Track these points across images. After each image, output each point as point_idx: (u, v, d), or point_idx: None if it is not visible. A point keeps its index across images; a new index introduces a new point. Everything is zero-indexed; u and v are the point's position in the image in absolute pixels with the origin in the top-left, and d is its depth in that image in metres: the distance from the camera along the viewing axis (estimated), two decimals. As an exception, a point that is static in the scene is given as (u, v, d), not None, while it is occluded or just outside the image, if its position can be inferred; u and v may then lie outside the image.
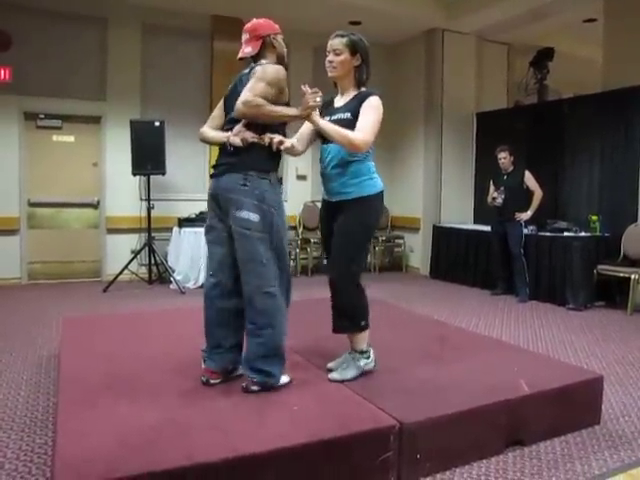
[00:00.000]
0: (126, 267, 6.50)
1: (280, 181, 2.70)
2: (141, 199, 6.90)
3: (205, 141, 2.76)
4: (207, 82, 7.29)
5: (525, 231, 6.21)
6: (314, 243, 7.79)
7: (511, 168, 6.25)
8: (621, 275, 5.63)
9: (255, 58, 2.65)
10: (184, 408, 2.34)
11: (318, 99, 2.51)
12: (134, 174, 6.57)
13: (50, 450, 2.39)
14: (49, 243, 6.90)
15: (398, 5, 7.10)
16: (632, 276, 5.48)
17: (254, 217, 2.49)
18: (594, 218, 6.11)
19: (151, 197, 6.59)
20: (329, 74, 2.74)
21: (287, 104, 2.60)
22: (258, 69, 2.53)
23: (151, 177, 6.59)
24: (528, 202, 6.16)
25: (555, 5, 6.75)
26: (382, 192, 2.77)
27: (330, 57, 2.70)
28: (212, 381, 2.62)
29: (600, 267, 5.77)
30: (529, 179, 6.17)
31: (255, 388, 2.52)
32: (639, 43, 5.96)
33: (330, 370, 2.82)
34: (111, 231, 7.06)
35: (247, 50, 2.67)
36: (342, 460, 2.12)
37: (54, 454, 2.06)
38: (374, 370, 2.84)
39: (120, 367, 2.87)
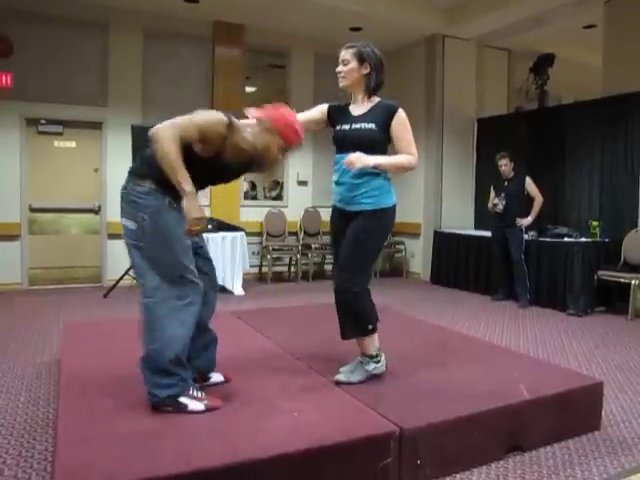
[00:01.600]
0: (127, 273, 6.50)
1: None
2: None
3: None
4: (208, 87, 7.33)
5: (526, 237, 6.21)
6: (315, 249, 7.81)
7: (512, 174, 6.27)
8: (621, 281, 5.63)
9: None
10: (184, 414, 2.33)
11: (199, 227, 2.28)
12: (135, 180, 6.57)
13: (50, 456, 2.39)
14: (50, 248, 6.92)
15: (399, 11, 7.14)
16: (632, 282, 5.48)
17: (131, 225, 2.35)
18: (594, 224, 6.11)
19: (152, 203, 6.60)
20: (340, 84, 2.80)
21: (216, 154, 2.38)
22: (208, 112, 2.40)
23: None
24: (529, 208, 6.17)
25: (555, 11, 6.79)
26: (395, 205, 2.81)
27: (339, 68, 2.78)
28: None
29: (600, 273, 5.77)
30: (530, 185, 6.18)
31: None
32: (638, 49, 5.98)
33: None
34: (112, 237, 7.05)
35: (253, 112, 2.49)
36: (342, 466, 2.11)
37: (54, 460, 2.06)
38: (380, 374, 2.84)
39: (120, 373, 2.87)
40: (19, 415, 2.88)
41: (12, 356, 3.96)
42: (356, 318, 2.75)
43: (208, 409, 2.36)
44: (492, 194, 6.42)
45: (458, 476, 2.33)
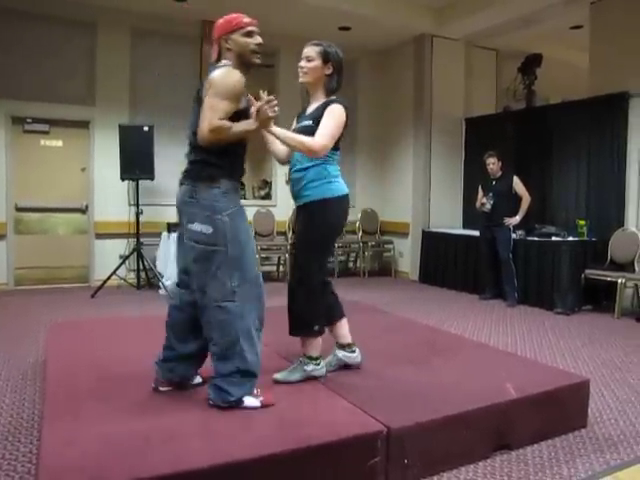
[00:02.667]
0: (114, 272, 6.46)
1: (237, 188, 2.49)
2: (130, 204, 6.88)
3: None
4: (197, 87, 7.28)
5: (514, 236, 6.24)
6: (304, 248, 7.78)
7: (499, 173, 6.29)
8: (608, 279, 5.68)
9: (217, 62, 2.52)
10: (171, 414, 2.32)
11: (277, 109, 2.38)
12: (123, 179, 6.54)
13: (34, 459, 2.36)
14: (36, 248, 6.85)
15: (387, 11, 7.14)
16: (619, 280, 5.52)
17: (206, 229, 2.34)
18: (582, 223, 6.15)
19: (140, 202, 6.57)
20: (300, 79, 2.79)
21: (246, 109, 2.44)
22: (213, 79, 2.35)
23: (140, 182, 6.57)
24: (516, 207, 6.20)
25: (542, 12, 6.83)
26: (344, 196, 2.74)
27: (302, 63, 2.77)
28: (161, 388, 2.59)
29: (587, 271, 5.81)
30: (517, 184, 6.21)
31: (212, 403, 2.40)
32: (624, 50, 6.04)
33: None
34: (99, 236, 7.02)
35: (213, 56, 2.56)
36: (329, 466, 2.11)
37: (38, 462, 2.04)
38: (363, 373, 2.85)
39: (107, 373, 2.85)
40: (3, 417, 2.85)
41: (-3, 357, 3.92)
42: (303, 317, 2.73)
43: (263, 405, 2.40)
44: (480, 193, 6.45)
45: (445, 475, 2.33)
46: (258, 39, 2.52)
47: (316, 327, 2.73)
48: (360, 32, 7.57)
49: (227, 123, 2.30)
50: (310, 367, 2.76)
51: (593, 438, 2.72)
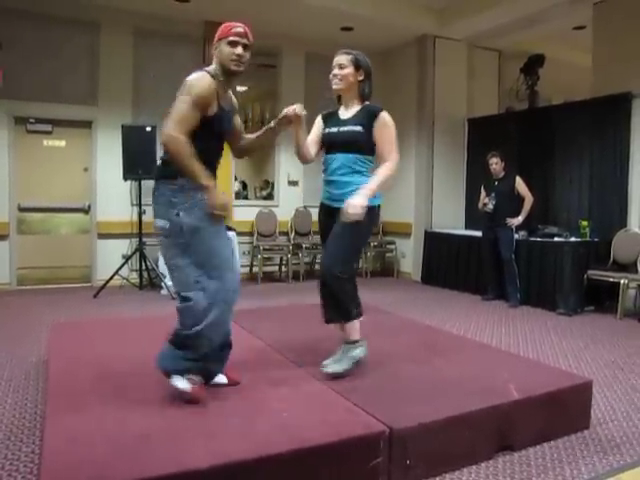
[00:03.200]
0: (117, 272, 6.47)
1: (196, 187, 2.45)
2: (132, 204, 6.89)
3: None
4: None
5: (516, 236, 6.24)
6: (306, 248, 7.79)
7: (502, 174, 6.29)
8: (611, 280, 5.67)
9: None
10: (173, 414, 2.32)
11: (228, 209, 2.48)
12: (125, 179, 6.55)
13: (37, 459, 2.37)
14: (39, 248, 6.86)
15: (390, 12, 7.14)
16: (621, 281, 5.51)
17: (164, 224, 2.46)
18: (584, 223, 6.14)
19: (142, 202, 6.57)
20: (334, 87, 2.91)
21: (217, 117, 2.48)
22: (186, 81, 2.42)
23: (142, 182, 6.57)
24: (519, 207, 6.19)
25: (545, 13, 6.83)
26: (379, 207, 2.92)
27: (335, 71, 2.88)
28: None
29: (590, 272, 5.80)
30: (520, 184, 6.20)
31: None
32: (627, 50, 6.03)
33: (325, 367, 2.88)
34: (102, 236, 7.03)
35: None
36: (332, 466, 2.11)
37: (40, 462, 2.05)
38: (365, 374, 2.86)
39: (109, 373, 2.85)
40: (6, 417, 2.85)
41: None
42: (341, 303, 2.82)
43: (191, 396, 2.42)
44: (482, 193, 6.44)
45: (448, 476, 2.33)
46: (239, 50, 2.50)
47: (354, 311, 2.85)
48: (362, 33, 7.57)
49: (185, 147, 2.34)
50: (356, 351, 2.86)
51: (596, 440, 2.71)
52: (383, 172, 2.77)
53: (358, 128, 2.80)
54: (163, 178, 2.50)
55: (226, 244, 2.57)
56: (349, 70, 2.84)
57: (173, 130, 2.34)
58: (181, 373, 2.47)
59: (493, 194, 6.25)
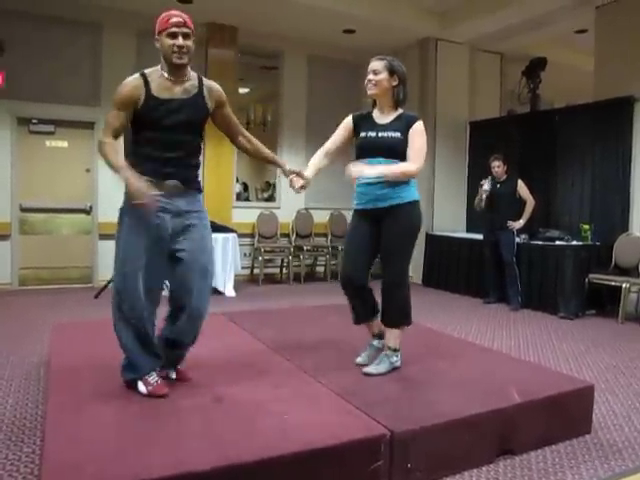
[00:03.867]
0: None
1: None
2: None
3: None
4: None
5: (517, 240, 6.23)
6: (307, 250, 7.79)
7: (504, 177, 6.28)
8: (612, 284, 5.66)
9: None
10: (174, 415, 2.32)
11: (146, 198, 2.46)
12: (127, 180, 6.54)
13: (38, 460, 2.36)
14: (41, 249, 6.86)
15: (392, 14, 7.15)
16: (623, 285, 5.51)
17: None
18: (586, 227, 6.14)
19: (144, 203, 6.57)
20: (368, 92, 2.95)
21: (140, 110, 2.58)
22: None
23: (144, 183, 6.56)
24: (520, 211, 6.19)
25: (547, 16, 6.83)
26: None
27: (370, 76, 2.93)
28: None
29: (592, 276, 5.79)
30: (522, 188, 6.19)
31: None
32: (629, 54, 6.03)
33: (359, 365, 3.02)
34: (103, 237, 7.01)
35: None
36: (332, 469, 2.10)
37: (41, 462, 2.04)
38: (366, 376, 2.88)
39: (110, 374, 2.84)
40: (7, 417, 2.85)
41: (1, 357, 3.92)
42: (404, 309, 2.99)
43: (151, 394, 2.51)
44: (478, 197, 6.42)
45: (449, 479, 2.32)
46: (180, 41, 2.52)
47: (410, 318, 3.02)
48: (364, 35, 7.57)
49: (106, 147, 2.53)
50: (394, 359, 2.98)
51: (597, 444, 2.70)
52: (406, 166, 2.82)
53: (397, 134, 2.86)
54: None
55: (137, 245, 2.50)
56: (383, 75, 2.89)
57: (102, 136, 2.54)
58: (138, 377, 2.57)
59: (490, 177, 6.22)
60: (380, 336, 3.11)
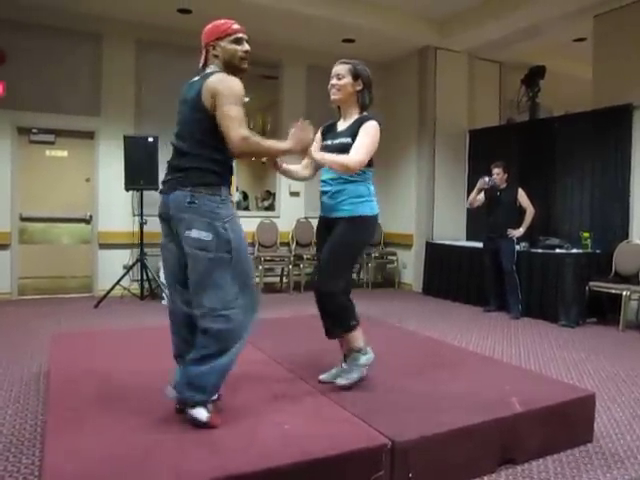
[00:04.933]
0: (118, 283, 6.47)
1: (228, 196, 2.44)
2: (134, 214, 6.89)
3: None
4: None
5: (517, 248, 6.22)
6: (307, 259, 7.78)
7: (504, 185, 6.29)
8: (613, 292, 5.65)
9: (204, 69, 2.56)
10: (174, 426, 2.31)
11: (311, 135, 2.54)
12: (127, 189, 6.56)
13: (37, 470, 2.35)
14: (40, 258, 6.87)
15: (391, 23, 7.18)
16: (624, 293, 5.50)
17: (206, 236, 2.30)
18: (586, 235, 6.13)
19: (144, 213, 6.57)
20: (332, 97, 2.89)
21: None
22: (218, 87, 2.32)
23: (144, 192, 6.58)
24: (520, 219, 6.19)
25: (546, 25, 6.87)
26: (376, 215, 2.90)
27: (333, 81, 2.87)
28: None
29: (592, 284, 5.79)
30: (522, 197, 6.20)
31: (175, 401, 2.42)
32: (627, 62, 6.06)
33: (322, 382, 2.90)
34: (103, 246, 7.03)
35: (201, 62, 2.60)
36: (333, 479, 2.09)
37: (41, 473, 2.03)
38: (367, 386, 2.86)
39: (110, 384, 2.84)
40: (6, 428, 2.84)
41: (0, 367, 3.90)
42: (338, 317, 2.85)
43: (209, 425, 2.31)
44: (474, 192, 6.43)
45: (450, 489, 2.31)
46: (246, 46, 2.51)
47: (353, 322, 2.86)
48: (364, 44, 7.61)
49: (257, 138, 2.35)
50: (363, 359, 2.87)
51: (599, 453, 2.69)
52: (344, 158, 2.70)
53: (348, 140, 2.78)
54: (203, 186, 2.33)
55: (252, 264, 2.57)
56: (347, 80, 2.83)
57: (242, 131, 2.28)
58: (205, 403, 2.34)
59: (487, 178, 6.22)
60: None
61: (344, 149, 2.75)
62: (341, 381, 2.83)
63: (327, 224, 2.89)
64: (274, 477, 1.98)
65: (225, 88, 2.32)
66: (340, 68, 2.85)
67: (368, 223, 2.85)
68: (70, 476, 1.88)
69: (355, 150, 2.72)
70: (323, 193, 2.89)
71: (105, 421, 2.35)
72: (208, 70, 2.49)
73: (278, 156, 2.60)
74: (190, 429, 2.28)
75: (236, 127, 2.27)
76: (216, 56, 2.50)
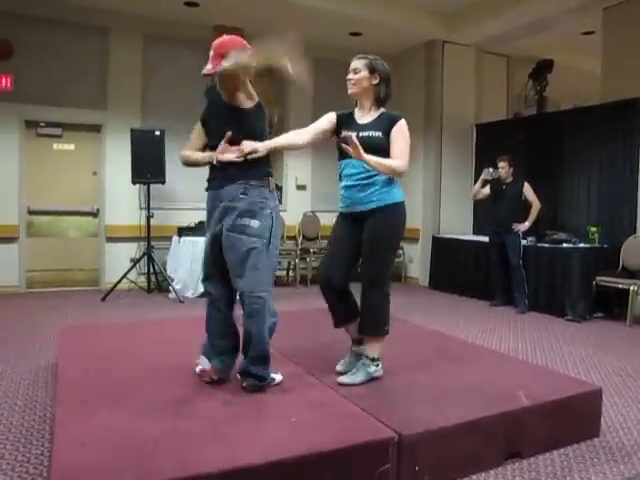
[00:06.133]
0: (125, 276, 6.49)
1: (276, 187, 2.75)
2: (140, 208, 6.91)
3: (189, 164, 2.84)
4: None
5: (524, 242, 6.21)
6: (313, 253, 7.79)
7: (510, 179, 6.27)
8: (620, 286, 5.63)
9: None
10: (182, 418, 2.32)
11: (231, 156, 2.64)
12: (134, 183, 6.58)
13: (46, 461, 2.38)
14: (48, 251, 6.90)
15: (398, 17, 7.15)
16: (631, 287, 5.48)
17: (254, 223, 2.59)
18: (593, 229, 6.11)
19: (151, 206, 6.60)
20: (349, 91, 2.91)
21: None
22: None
23: (151, 186, 6.60)
24: (526, 213, 6.17)
25: (554, 18, 6.82)
26: (404, 202, 2.93)
27: (350, 75, 2.89)
28: (214, 377, 2.75)
29: (599, 278, 5.77)
30: (528, 190, 6.18)
31: (248, 389, 2.66)
32: (637, 55, 6.00)
33: (339, 373, 2.92)
34: (110, 240, 7.06)
35: (209, 67, 2.64)
36: (340, 472, 2.10)
37: (50, 464, 2.05)
38: (381, 377, 2.89)
39: (118, 376, 2.86)
40: (15, 419, 2.87)
41: (9, 360, 3.94)
42: (379, 318, 2.86)
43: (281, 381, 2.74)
44: (478, 184, 6.44)
45: (456, 483, 2.32)
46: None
47: (386, 327, 2.88)
48: (371, 38, 7.58)
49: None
50: (372, 369, 2.86)
51: (606, 448, 2.69)
52: (392, 162, 2.74)
53: (378, 134, 2.79)
54: (255, 178, 2.64)
55: None
56: (363, 74, 2.84)
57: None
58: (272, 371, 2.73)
59: (491, 169, 6.22)
60: (360, 341, 2.98)
61: (377, 143, 2.75)
62: (344, 379, 2.83)
63: (355, 220, 2.85)
64: (281, 470, 1.99)
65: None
66: (357, 63, 2.88)
67: (401, 209, 2.86)
68: (79, 467, 1.90)
69: (400, 155, 2.76)
70: (349, 187, 2.84)
71: (113, 412, 2.37)
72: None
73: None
74: (198, 421, 2.30)
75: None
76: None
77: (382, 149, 2.76)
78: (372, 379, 2.85)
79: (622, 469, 2.47)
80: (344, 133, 2.65)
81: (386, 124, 2.81)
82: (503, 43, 7.91)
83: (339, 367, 2.98)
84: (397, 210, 2.84)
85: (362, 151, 2.63)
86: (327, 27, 7.26)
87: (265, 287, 2.64)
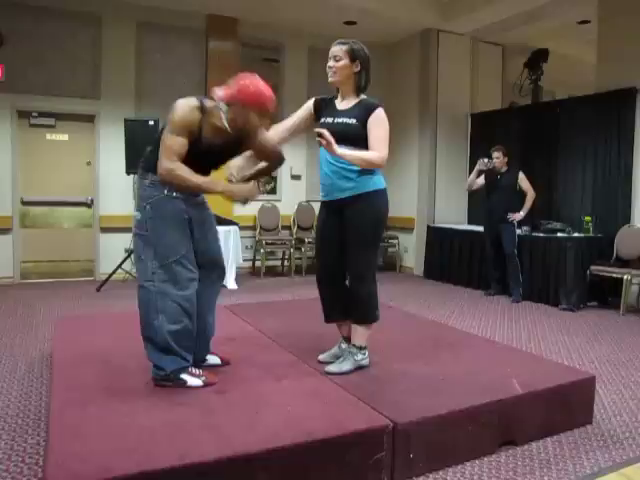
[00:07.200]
0: (120, 266, 6.48)
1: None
2: (135, 198, 6.88)
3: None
4: (202, 81, 7.28)
5: (518, 232, 6.23)
6: (308, 243, 7.79)
7: (505, 168, 6.27)
8: (614, 276, 5.66)
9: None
10: (178, 407, 2.33)
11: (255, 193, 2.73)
12: (128, 173, 6.54)
13: (42, 450, 2.38)
14: (42, 242, 6.88)
15: (393, 6, 7.11)
16: (625, 277, 5.51)
17: (136, 215, 2.60)
18: (588, 219, 6.13)
19: (145, 196, 6.56)
20: (329, 79, 2.83)
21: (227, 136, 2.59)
22: (171, 112, 2.54)
23: (145, 176, 6.56)
24: (521, 203, 6.18)
25: (549, 7, 6.79)
26: (386, 190, 2.88)
27: (330, 63, 2.80)
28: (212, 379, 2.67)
29: (593, 268, 5.79)
30: (522, 180, 6.19)
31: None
32: (632, 45, 5.99)
33: (321, 362, 2.94)
34: (105, 230, 7.04)
35: (219, 94, 2.62)
36: (335, 460, 2.12)
37: (46, 454, 2.06)
38: (368, 366, 2.90)
39: (113, 366, 2.86)
40: (11, 409, 2.87)
41: (3, 350, 3.94)
42: (368, 304, 2.85)
43: (206, 384, 2.56)
44: (472, 174, 6.45)
45: (451, 470, 2.34)
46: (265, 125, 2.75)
47: (377, 313, 2.88)
48: (365, 27, 7.54)
49: (185, 171, 2.49)
50: (359, 357, 2.87)
51: (599, 434, 2.72)
52: (370, 155, 2.68)
53: (353, 121, 2.72)
54: (142, 171, 2.62)
55: (186, 239, 2.61)
56: (344, 62, 2.75)
57: (168, 164, 2.52)
58: (184, 370, 2.58)
59: (486, 159, 6.22)
60: (349, 339, 2.96)
61: (348, 130, 2.70)
62: (332, 368, 2.83)
63: (336, 208, 2.81)
64: (277, 457, 2.00)
65: (172, 115, 2.51)
66: (337, 49, 2.78)
67: (381, 197, 2.81)
68: (74, 456, 1.90)
69: (377, 145, 2.69)
70: (327, 174, 2.79)
71: (109, 402, 2.37)
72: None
73: (209, 193, 2.61)
74: (194, 409, 2.30)
75: (164, 157, 2.46)
76: (234, 112, 2.57)
77: (357, 137, 2.71)
78: (359, 367, 2.86)
79: (614, 455, 2.50)
80: (316, 130, 2.61)
81: (363, 112, 2.74)
82: (498, 32, 7.88)
83: (322, 357, 3.00)
84: (378, 197, 2.79)
85: (336, 147, 2.58)
86: (322, 16, 7.22)
87: (148, 278, 2.54)
